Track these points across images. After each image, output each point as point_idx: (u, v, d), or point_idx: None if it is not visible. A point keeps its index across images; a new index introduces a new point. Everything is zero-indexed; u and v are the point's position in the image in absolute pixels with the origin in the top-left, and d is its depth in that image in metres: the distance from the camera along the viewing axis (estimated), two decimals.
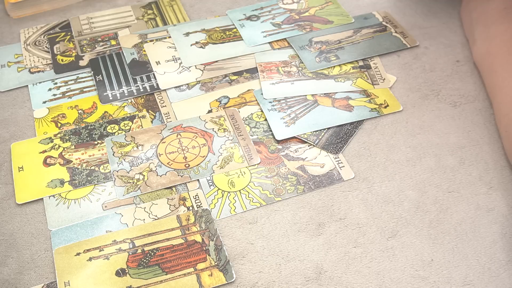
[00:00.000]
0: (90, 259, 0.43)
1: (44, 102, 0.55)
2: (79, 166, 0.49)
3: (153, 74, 0.57)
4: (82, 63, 0.59)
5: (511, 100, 0.48)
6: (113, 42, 0.61)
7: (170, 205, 0.46)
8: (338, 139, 0.51)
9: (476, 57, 0.56)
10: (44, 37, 0.62)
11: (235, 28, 0.62)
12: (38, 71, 0.58)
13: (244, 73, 0.57)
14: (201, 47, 0.60)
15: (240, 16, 0.63)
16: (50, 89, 0.57)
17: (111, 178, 0.48)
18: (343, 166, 0.49)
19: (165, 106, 0.54)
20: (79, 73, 0.58)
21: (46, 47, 0.61)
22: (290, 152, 0.50)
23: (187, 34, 0.62)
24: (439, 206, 0.46)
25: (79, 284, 0.42)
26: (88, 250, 0.43)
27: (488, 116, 0.52)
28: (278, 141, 0.51)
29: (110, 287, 0.41)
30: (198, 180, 0.48)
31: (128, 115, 0.54)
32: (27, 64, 0.59)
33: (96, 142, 0.51)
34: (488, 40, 0.54)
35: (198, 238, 0.44)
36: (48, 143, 0.51)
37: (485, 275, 0.42)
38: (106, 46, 0.61)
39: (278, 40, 0.60)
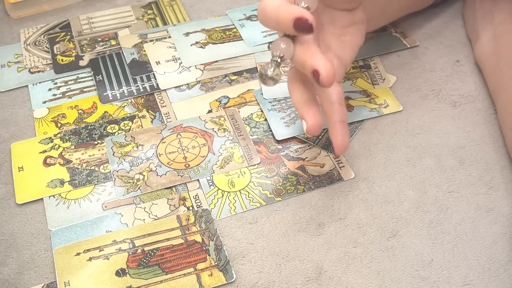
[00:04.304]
0: (90, 259, 0.43)
1: (44, 102, 0.55)
2: (79, 166, 0.49)
3: (153, 74, 0.57)
4: (82, 63, 0.59)
5: None
6: (113, 42, 0.61)
7: (170, 205, 0.46)
8: None
9: (479, 56, 0.56)
10: (44, 37, 0.62)
11: (235, 28, 0.62)
12: (38, 71, 0.58)
13: (244, 73, 0.57)
14: (201, 47, 0.60)
15: (240, 16, 0.63)
16: (50, 89, 0.57)
17: (111, 178, 0.48)
18: (343, 166, 0.49)
19: (165, 106, 0.54)
20: (79, 73, 0.58)
21: (46, 47, 0.61)
22: (290, 152, 0.50)
23: (187, 34, 0.62)
24: (439, 206, 0.46)
25: (79, 284, 0.42)
26: (88, 250, 0.44)
27: (488, 116, 0.52)
28: (278, 141, 0.51)
29: (110, 287, 0.41)
30: (198, 180, 0.48)
31: (128, 115, 0.54)
32: (27, 64, 0.59)
33: (96, 142, 0.51)
34: (495, 39, 0.54)
35: (198, 238, 0.44)
36: (48, 143, 0.51)
37: (485, 275, 0.42)
38: (106, 46, 0.61)
39: None
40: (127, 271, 0.42)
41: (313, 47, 0.41)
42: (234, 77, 0.57)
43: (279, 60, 0.41)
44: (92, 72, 0.58)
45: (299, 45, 0.41)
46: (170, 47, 0.60)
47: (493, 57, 0.53)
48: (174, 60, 0.59)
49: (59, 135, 0.52)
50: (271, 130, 0.52)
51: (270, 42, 0.43)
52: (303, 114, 0.44)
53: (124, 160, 0.50)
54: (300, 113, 0.45)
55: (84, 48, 0.61)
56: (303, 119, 0.44)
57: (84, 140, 0.51)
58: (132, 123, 0.53)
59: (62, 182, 0.48)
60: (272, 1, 0.41)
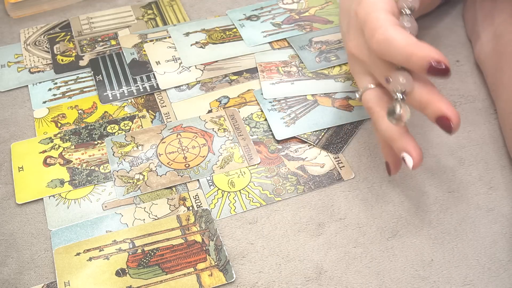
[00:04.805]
0: (90, 259, 0.43)
1: (44, 102, 0.55)
2: (79, 166, 0.49)
3: (153, 74, 0.57)
4: (82, 63, 0.59)
5: None
6: (113, 42, 0.61)
7: (170, 205, 0.46)
8: (338, 139, 0.51)
9: (479, 56, 0.56)
10: (44, 37, 0.62)
11: (235, 28, 0.62)
12: (38, 71, 0.58)
13: (244, 73, 0.57)
14: (201, 47, 0.60)
15: (240, 16, 0.63)
16: (50, 89, 0.57)
17: (111, 178, 0.48)
18: (343, 166, 0.49)
19: (165, 106, 0.54)
20: (79, 73, 0.58)
21: (46, 47, 0.61)
22: (290, 152, 0.50)
23: (187, 34, 0.62)
24: (439, 206, 0.46)
25: (79, 284, 0.42)
26: (88, 250, 0.44)
27: (488, 116, 0.52)
28: (278, 141, 0.51)
29: (110, 287, 0.41)
30: (198, 180, 0.48)
31: (128, 115, 0.54)
32: (27, 64, 0.59)
33: (96, 142, 0.51)
34: (495, 39, 0.54)
35: (198, 238, 0.44)
36: (48, 143, 0.51)
37: (485, 275, 0.42)
38: (106, 46, 0.61)
39: (278, 40, 0.60)
40: (127, 271, 0.42)
41: (433, 86, 0.39)
42: (234, 77, 0.57)
43: (402, 96, 0.39)
44: (92, 72, 0.58)
45: (418, 81, 0.39)
46: (170, 47, 0.60)
47: (493, 57, 0.53)
48: (174, 60, 0.59)
49: (59, 135, 0.52)
50: (271, 130, 0.52)
51: (387, 78, 0.40)
52: (405, 146, 0.40)
53: (124, 160, 0.50)
54: (398, 145, 0.41)
55: (84, 48, 0.61)
56: (406, 152, 0.40)
57: (84, 140, 0.51)
58: (132, 123, 0.53)
59: (62, 182, 0.48)
60: (399, 35, 0.39)
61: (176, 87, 0.56)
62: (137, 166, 0.49)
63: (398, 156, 0.42)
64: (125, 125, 0.53)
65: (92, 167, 0.49)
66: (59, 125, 0.53)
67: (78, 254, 0.43)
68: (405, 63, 0.38)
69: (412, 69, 0.39)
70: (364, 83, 0.44)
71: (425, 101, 0.39)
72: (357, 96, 0.45)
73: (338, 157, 0.49)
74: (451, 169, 0.48)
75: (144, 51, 0.60)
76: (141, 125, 0.53)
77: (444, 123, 0.38)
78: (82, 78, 0.58)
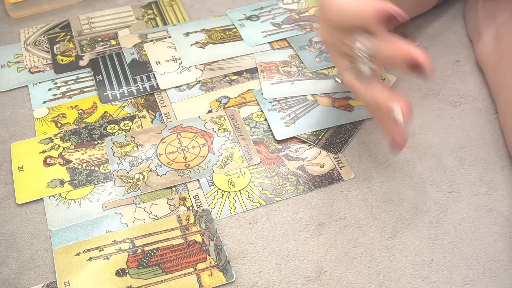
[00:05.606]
0: (90, 259, 0.43)
1: (44, 102, 0.55)
2: (79, 166, 0.49)
3: (153, 74, 0.57)
4: (82, 63, 0.59)
5: None
6: (113, 42, 0.61)
7: (170, 205, 0.46)
8: (338, 139, 0.51)
9: (480, 56, 0.56)
10: (44, 37, 0.62)
11: (235, 28, 0.62)
12: (38, 71, 0.58)
13: (244, 73, 0.57)
14: (201, 47, 0.60)
15: (240, 16, 0.63)
16: (50, 89, 0.57)
17: (111, 178, 0.48)
18: (343, 166, 0.49)
19: (165, 106, 0.54)
20: (79, 73, 0.58)
21: (46, 47, 0.61)
22: (290, 152, 0.50)
23: (187, 34, 0.62)
24: (439, 206, 0.46)
25: (79, 284, 0.42)
26: (88, 250, 0.44)
27: (488, 116, 0.52)
28: (278, 141, 0.51)
29: (110, 287, 0.41)
30: (198, 180, 0.48)
31: (128, 115, 0.54)
32: (27, 64, 0.59)
33: (96, 142, 0.51)
34: (497, 38, 0.54)
35: (198, 238, 0.44)
36: (48, 143, 0.51)
37: (485, 275, 0.42)
38: (106, 46, 0.61)
39: (278, 40, 0.60)
40: (127, 271, 0.42)
41: (397, 39, 0.40)
42: (234, 77, 0.57)
43: (366, 55, 0.40)
44: (92, 72, 0.58)
45: (381, 39, 0.40)
46: (170, 47, 0.60)
47: (494, 57, 0.53)
48: (174, 60, 0.59)
49: (59, 135, 0.52)
50: (271, 130, 0.52)
51: (349, 45, 0.41)
52: (393, 100, 0.41)
53: (124, 160, 0.50)
54: (388, 104, 0.41)
55: (84, 48, 0.61)
56: (395, 104, 0.41)
57: (84, 140, 0.51)
58: (132, 123, 0.53)
59: (62, 182, 0.48)
60: None
61: (176, 87, 0.56)
62: (137, 166, 0.49)
63: (398, 129, 0.42)
64: (125, 125, 0.53)
65: (92, 167, 0.49)
66: (59, 125, 0.53)
67: (78, 254, 0.43)
68: (359, 20, 0.40)
69: (367, 24, 0.40)
70: (341, 65, 0.45)
71: (394, 52, 0.39)
72: (339, 80, 0.45)
73: (338, 157, 0.49)
74: (451, 169, 0.48)
75: (144, 51, 0.60)
76: (141, 125, 0.53)
77: (414, 66, 0.39)
78: (82, 78, 0.58)
